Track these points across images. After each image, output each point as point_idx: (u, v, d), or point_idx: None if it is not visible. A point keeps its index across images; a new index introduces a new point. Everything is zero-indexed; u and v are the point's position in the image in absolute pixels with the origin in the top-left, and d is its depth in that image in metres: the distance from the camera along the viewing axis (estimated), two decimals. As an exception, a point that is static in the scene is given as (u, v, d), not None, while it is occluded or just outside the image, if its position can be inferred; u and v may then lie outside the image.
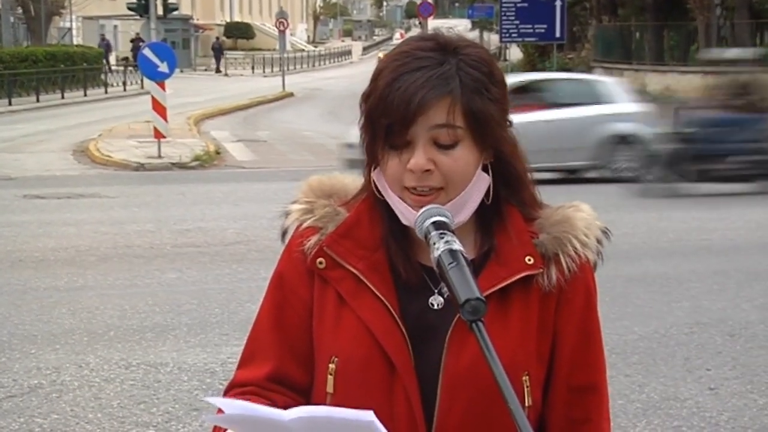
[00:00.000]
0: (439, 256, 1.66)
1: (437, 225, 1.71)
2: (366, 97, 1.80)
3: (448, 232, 1.70)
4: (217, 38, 66.34)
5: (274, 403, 1.82)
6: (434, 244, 1.69)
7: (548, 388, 1.86)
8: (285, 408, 1.81)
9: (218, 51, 62.61)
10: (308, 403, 1.87)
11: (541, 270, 1.81)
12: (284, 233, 1.91)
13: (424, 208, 1.74)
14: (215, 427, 1.78)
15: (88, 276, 9.99)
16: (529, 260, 1.81)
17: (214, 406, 1.68)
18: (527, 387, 1.80)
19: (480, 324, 1.60)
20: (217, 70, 61.69)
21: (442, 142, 1.75)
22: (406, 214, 1.78)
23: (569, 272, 1.82)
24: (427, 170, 1.75)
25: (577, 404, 1.86)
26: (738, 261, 10.48)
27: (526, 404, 1.79)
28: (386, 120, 1.75)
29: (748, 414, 6.17)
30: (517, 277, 1.80)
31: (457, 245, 1.67)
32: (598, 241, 1.87)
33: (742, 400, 6.40)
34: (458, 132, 1.75)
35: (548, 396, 1.86)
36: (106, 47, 54.10)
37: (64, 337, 7.81)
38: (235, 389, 1.89)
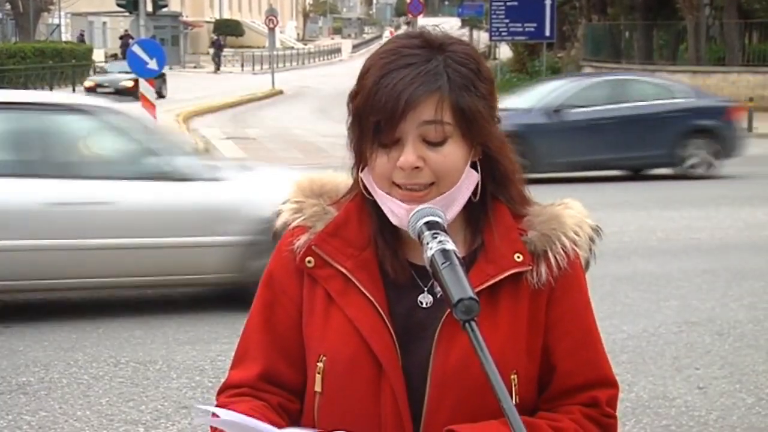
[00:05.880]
0: (432, 255, 1.66)
1: (430, 225, 1.71)
2: (353, 95, 1.80)
3: (441, 232, 1.70)
4: (217, 35, 65.57)
5: (268, 404, 1.83)
6: (427, 243, 1.68)
7: (549, 388, 1.84)
8: (279, 407, 1.82)
9: (218, 48, 61.41)
10: (302, 402, 1.88)
11: (530, 267, 1.81)
12: (275, 233, 1.91)
13: (416, 208, 1.74)
14: (212, 429, 1.79)
15: (76, 273, 9.95)
16: (518, 257, 1.81)
17: (204, 413, 1.69)
18: (515, 385, 1.79)
19: (473, 323, 1.60)
20: (217, 69, 60.12)
21: (431, 139, 1.75)
22: (395, 210, 1.78)
23: (559, 269, 1.82)
24: (417, 167, 1.74)
25: (585, 399, 1.84)
26: (726, 260, 10.50)
27: (514, 402, 1.78)
28: (375, 117, 1.74)
29: (737, 413, 6.18)
30: (506, 274, 1.80)
31: (450, 245, 1.67)
32: (590, 239, 1.87)
33: (730, 399, 6.41)
34: (447, 128, 1.75)
35: (551, 395, 1.84)
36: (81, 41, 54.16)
37: (52, 334, 7.79)
38: (229, 390, 1.89)
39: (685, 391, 6.54)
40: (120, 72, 37.87)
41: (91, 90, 37.22)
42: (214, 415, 1.69)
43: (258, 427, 1.64)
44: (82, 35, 58.98)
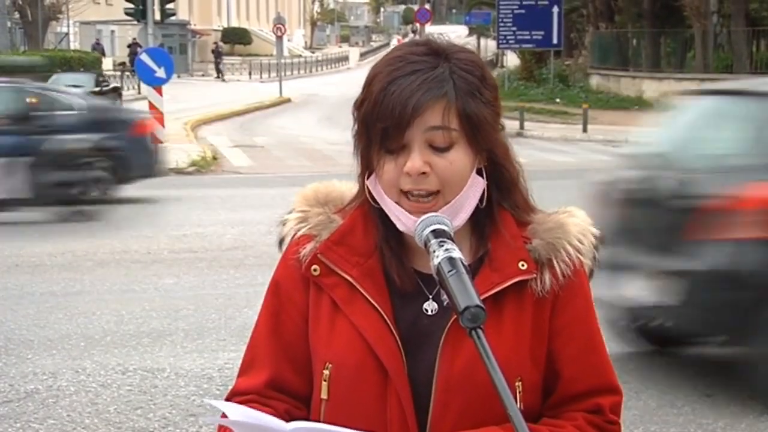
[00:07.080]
0: (439, 264, 1.67)
1: (437, 233, 1.72)
2: (360, 103, 1.81)
3: (448, 240, 1.71)
4: (215, 43, 65.64)
5: (275, 411, 1.84)
6: (434, 252, 1.69)
7: (553, 395, 1.85)
8: (286, 414, 1.83)
9: (217, 56, 61.63)
10: (309, 410, 1.88)
11: (535, 275, 1.82)
12: (281, 242, 1.92)
13: (423, 217, 1.75)
14: (219, 427, 1.80)
15: (84, 281, 9.98)
16: (523, 265, 1.82)
17: (213, 410, 1.70)
18: (520, 392, 1.80)
19: (479, 331, 1.61)
20: (217, 76, 60.32)
21: (438, 145, 1.76)
22: (403, 219, 1.79)
23: (563, 277, 1.83)
24: (424, 173, 1.76)
25: (589, 406, 1.85)
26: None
27: (519, 409, 1.78)
28: (382, 124, 1.76)
29: (745, 421, 6.17)
30: (511, 282, 1.81)
31: (456, 253, 1.68)
32: (594, 248, 1.88)
33: (738, 407, 6.39)
34: (453, 134, 1.76)
35: (555, 402, 1.85)
36: (101, 52, 54.07)
37: (60, 342, 7.81)
38: (236, 398, 1.89)
39: (694, 398, 6.53)
40: (69, 85, 30.74)
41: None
42: (222, 416, 1.70)
43: (265, 420, 1.65)
44: (98, 44, 58.96)
